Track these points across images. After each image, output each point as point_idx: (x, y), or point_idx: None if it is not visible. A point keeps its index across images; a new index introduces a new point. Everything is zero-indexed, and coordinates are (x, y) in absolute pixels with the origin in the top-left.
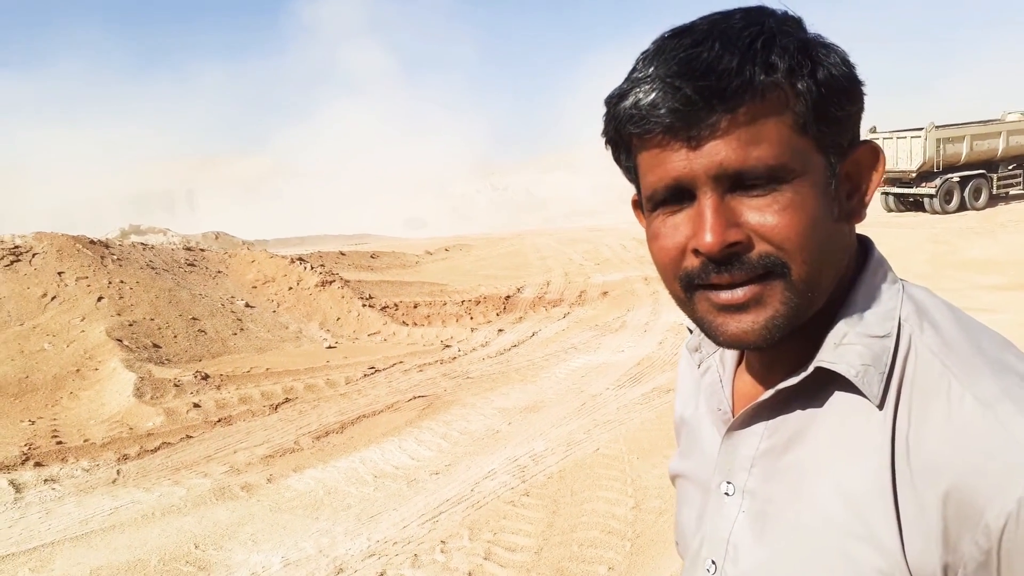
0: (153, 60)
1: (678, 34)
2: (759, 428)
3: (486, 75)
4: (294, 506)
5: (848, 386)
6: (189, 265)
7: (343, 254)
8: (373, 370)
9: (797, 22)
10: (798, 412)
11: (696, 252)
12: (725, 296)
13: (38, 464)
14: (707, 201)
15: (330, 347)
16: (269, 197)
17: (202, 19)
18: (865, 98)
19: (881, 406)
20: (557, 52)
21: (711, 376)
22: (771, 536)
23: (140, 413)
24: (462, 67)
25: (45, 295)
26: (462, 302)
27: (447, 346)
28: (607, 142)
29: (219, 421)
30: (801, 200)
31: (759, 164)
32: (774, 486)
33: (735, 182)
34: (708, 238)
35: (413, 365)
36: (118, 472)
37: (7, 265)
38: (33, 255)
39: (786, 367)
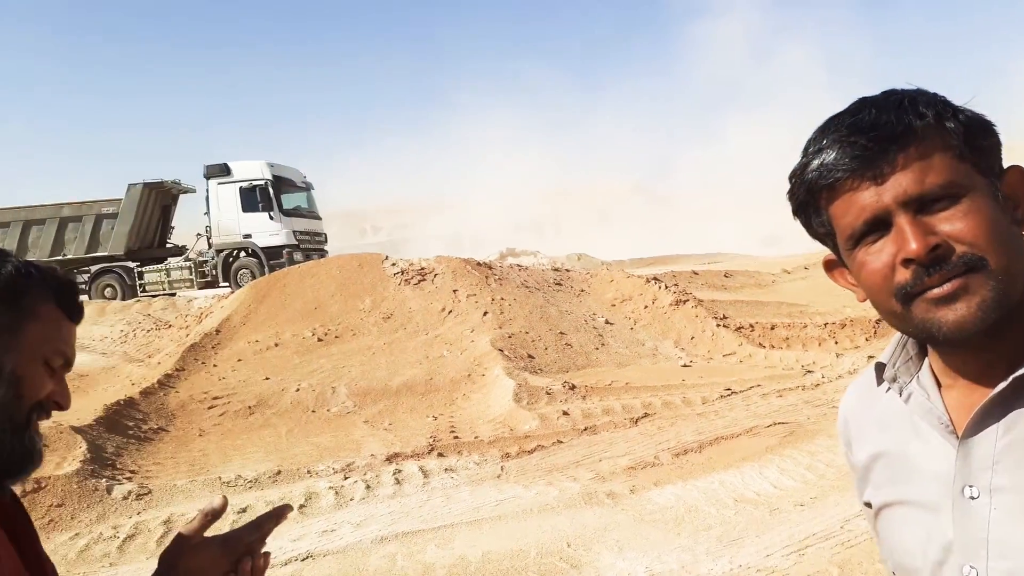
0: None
1: (836, 116)
2: (992, 428)
3: (876, 83)
4: (656, 519)
5: None
6: (556, 284)
7: (696, 273)
8: (730, 392)
9: (926, 90)
10: None
11: (906, 263)
12: (937, 291)
13: (440, 455)
14: (903, 220)
15: (685, 365)
16: (627, 219)
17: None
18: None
19: None
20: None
21: (917, 399)
22: None
23: (518, 416)
24: (847, 77)
25: (443, 309)
26: (825, 325)
27: (809, 371)
28: (796, 211)
29: (585, 430)
30: (978, 206)
31: (934, 186)
32: None
33: (919, 205)
34: (913, 245)
35: (772, 389)
36: (502, 468)
37: (415, 284)
38: (435, 275)
39: (997, 372)
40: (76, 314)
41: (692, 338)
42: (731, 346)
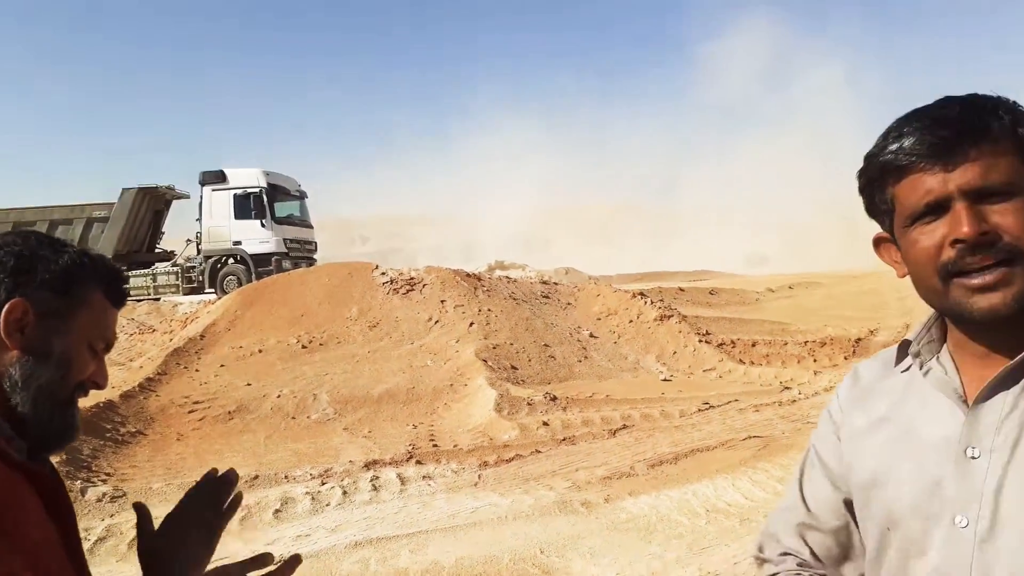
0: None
1: (921, 108)
2: (1000, 397)
3: (850, 100)
4: (628, 528)
5: None
6: (544, 297)
7: (682, 290)
8: (707, 406)
9: (1008, 100)
10: None
11: (954, 243)
12: (977, 281)
13: (418, 462)
14: (961, 206)
15: (665, 380)
16: (618, 235)
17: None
18: None
19: None
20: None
21: (936, 374)
22: None
23: (498, 426)
24: (830, 98)
25: (430, 319)
26: (805, 343)
27: (786, 388)
28: (864, 188)
29: (564, 440)
30: None
31: (995, 182)
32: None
33: (977, 196)
34: (966, 228)
35: (749, 404)
36: (479, 477)
37: (404, 293)
38: (423, 285)
39: (1012, 350)
40: (120, 301)
41: (674, 353)
42: (712, 361)
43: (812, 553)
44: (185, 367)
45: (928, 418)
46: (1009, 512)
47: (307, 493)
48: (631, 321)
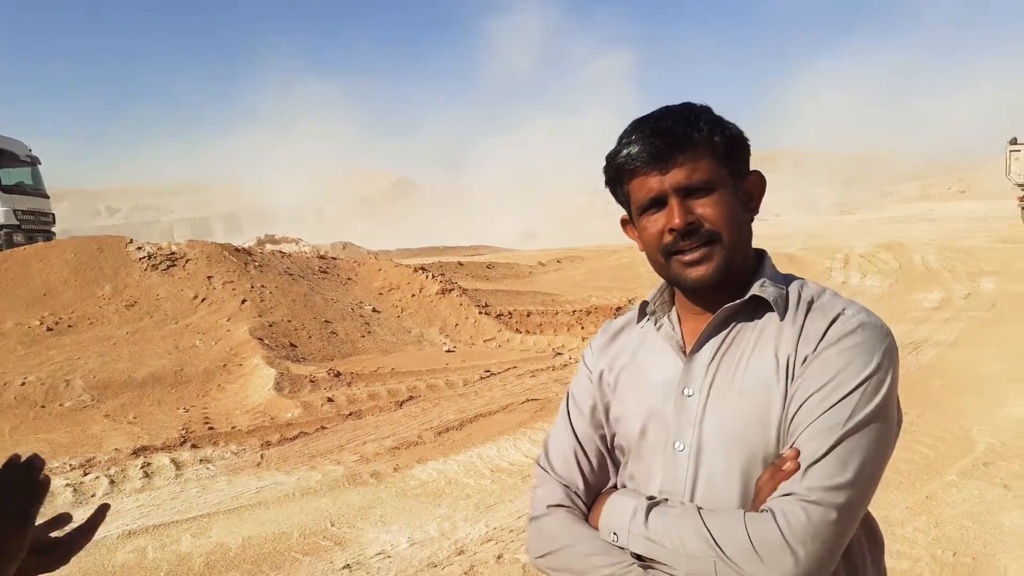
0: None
1: (647, 117)
2: (709, 345)
3: (632, 88)
4: (418, 494)
5: (765, 309)
6: (322, 272)
7: (461, 264)
8: (489, 373)
9: (710, 108)
10: (735, 326)
11: (670, 231)
12: (687, 258)
13: (194, 446)
14: (674, 202)
15: (449, 351)
16: (391, 211)
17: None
18: (750, 147)
19: (783, 319)
20: (707, 67)
21: (666, 329)
22: (723, 405)
23: (280, 405)
24: (608, 83)
25: (196, 297)
26: (573, 312)
27: (558, 353)
28: (607, 183)
29: (350, 415)
30: (724, 200)
31: (698, 181)
32: (723, 374)
33: (687, 192)
34: (677, 220)
35: (526, 370)
36: (262, 457)
37: (164, 270)
38: (187, 261)
39: (717, 310)
40: None
41: (456, 325)
42: (492, 332)
43: (583, 477)
44: None
45: (657, 364)
46: (709, 435)
47: (68, 485)
48: (414, 295)
